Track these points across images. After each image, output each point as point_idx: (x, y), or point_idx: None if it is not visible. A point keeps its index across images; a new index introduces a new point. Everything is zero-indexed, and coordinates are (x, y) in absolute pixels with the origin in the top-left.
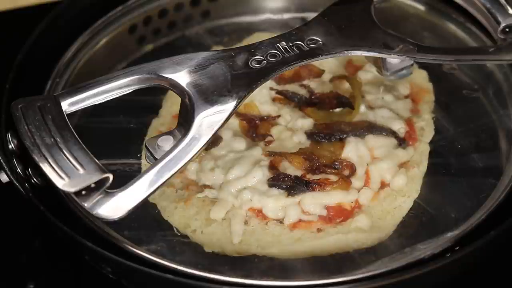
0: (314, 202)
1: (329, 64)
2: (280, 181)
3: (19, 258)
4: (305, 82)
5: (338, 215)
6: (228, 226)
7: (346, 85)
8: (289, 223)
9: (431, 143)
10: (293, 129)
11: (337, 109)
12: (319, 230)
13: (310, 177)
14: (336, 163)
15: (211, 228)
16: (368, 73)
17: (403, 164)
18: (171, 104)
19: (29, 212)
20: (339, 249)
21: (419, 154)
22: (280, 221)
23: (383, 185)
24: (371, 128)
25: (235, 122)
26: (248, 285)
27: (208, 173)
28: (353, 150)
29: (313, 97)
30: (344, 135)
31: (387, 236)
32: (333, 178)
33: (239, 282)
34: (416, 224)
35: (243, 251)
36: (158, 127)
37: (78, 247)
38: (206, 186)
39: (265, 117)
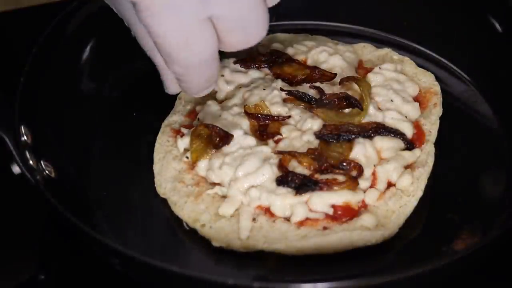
0: (321, 202)
1: (340, 67)
2: (289, 180)
3: (30, 250)
4: (316, 84)
5: (345, 214)
6: (236, 222)
7: (355, 86)
8: (296, 221)
9: (437, 144)
10: (302, 129)
11: (346, 110)
12: (325, 228)
13: (318, 177)
14: (344, 164)
15: (220, 224)
16: (377, 75)
17: (411, 166)
18: (185, 103)
19: (40, 204)
20: (344, 247)
21: (425, 154)
22: (288, 219)
23: (389, 185)
24: (379, 129)
25: (245, 122)
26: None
27: (217, 170)
28: (361, 151)
29: (323, 98)
30: (353, 136)
31: (391, 235)
32: (340, 178)
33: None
34: (420, 223)
35: (250, 247)
36: (171, 124)
37: (87, 239)
38: (216, 184)
39: (276, 117)
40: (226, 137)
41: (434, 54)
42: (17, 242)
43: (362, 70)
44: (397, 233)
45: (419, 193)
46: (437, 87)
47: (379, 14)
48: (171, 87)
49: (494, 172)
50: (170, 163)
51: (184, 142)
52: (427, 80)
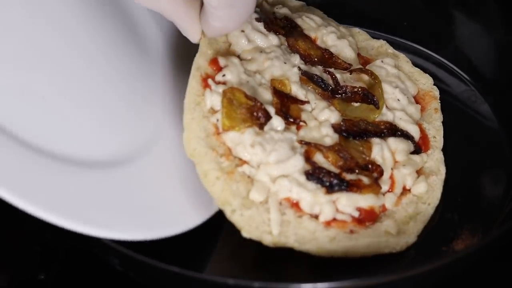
0: (349, 203)
1: (350, 55)
2: (321, 177)
3: (31, 250)
4: (331, 69)
5: (367, 218)
6: (265, 211)
7: (364, 77)
8: (324, 220)
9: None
10: (319, 119)
11: (356, 104)
12: (352, 231)
13: (345, 176)
14: (369, 165)
15: (250, 212)
16: (381, 70)
17: (419, 171)
18: (208, 45)
19: None
20: (371, 252)
21: (435, 161)
22: (314, 216)
23: (404, 190)
24: (394, 130)
25: (268, 96)
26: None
27: (248, 148)
28: (379, 152)
29: (338, 87)
30: (370, 135)
31: (413, 242)
32: (365, 180)
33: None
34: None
35: (280, 243)
36: (200, 68)
37: (87, 239)
38: (243, 161)
39: (299, 100)
40: (268, 117)
41: (434, 54)
42: (17, 242)
43: (359, 58)
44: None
45: (436, 202)
46: (436, 92)
47: (379, 14)
48: (197, 33)
49: (494, 172)
50: (201, 121)
51: (212, 99)
52: (426, 82)
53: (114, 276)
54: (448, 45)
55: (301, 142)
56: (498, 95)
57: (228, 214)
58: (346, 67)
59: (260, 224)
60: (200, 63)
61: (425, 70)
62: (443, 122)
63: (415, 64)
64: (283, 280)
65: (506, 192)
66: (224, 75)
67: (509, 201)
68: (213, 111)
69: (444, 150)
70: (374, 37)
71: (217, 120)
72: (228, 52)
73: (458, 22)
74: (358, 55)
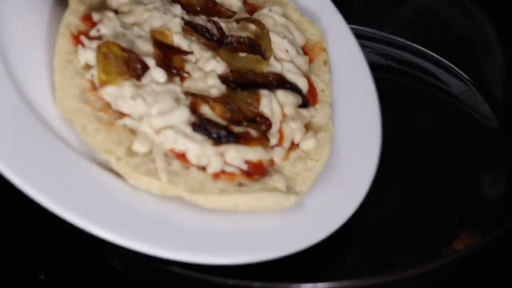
0: (238, 156)
1: (235, 4)
2: (208, 129)
3: (31, 250)
4: (215, 18)
5: (256, 171)
6: (151, 162)
7: (251, 27)
8: (212, 172)
9: (436, 143)
10: (204, 70)
11: (243, 54)
12: (241, 184)
13: (233, 128)
14: (257, 118)
15: (135, 161)
16: (269, 19)
17: (307, 126)
18: (78, 2)
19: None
20: (260, 207)
21: (323, 116)
22: (202, 168)
23: (292, 145)
24: (282, 82)
25: (149, 48)
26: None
27: (129, 101)
28: (268, 104)
29: (224, 37)
30: (259, 87)
31: (301, 200)
32: (253, 132)
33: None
34: (420, 223)
35: (170, 191)
36: (69, 26)
37: (86, 238)
38: (123, 114)
39: (183, 51)
40: (145, 68)
41: (434, 54)
42: (17, 243)
43: (246, 5)
44: (396, 232)
45: (324, 159)
46: (325, 43)
47: (379, 14)
48: None
49: (494, 172)
50: (74, 78)
51: (86, 56)
52: (315, 33)
53: (114, 276)
54: (448, 45)
55: (186, 93)
56: (498, 96)
57: (114, 163)
58: (230, 16)
59: (147, 172)
60: (70, 20)
61: (425, 70)
62: (442, 120)
63: (414, 64)
64: (284, 280)
65: (506, 192)
66: (98, 30)
67: (509, 201)
68: (87, 67)
69: (444, 150)
70: (374, 37)
71: (92, 75)
72: (104, 7)
73: (458, 21)
74: (245, 2)
